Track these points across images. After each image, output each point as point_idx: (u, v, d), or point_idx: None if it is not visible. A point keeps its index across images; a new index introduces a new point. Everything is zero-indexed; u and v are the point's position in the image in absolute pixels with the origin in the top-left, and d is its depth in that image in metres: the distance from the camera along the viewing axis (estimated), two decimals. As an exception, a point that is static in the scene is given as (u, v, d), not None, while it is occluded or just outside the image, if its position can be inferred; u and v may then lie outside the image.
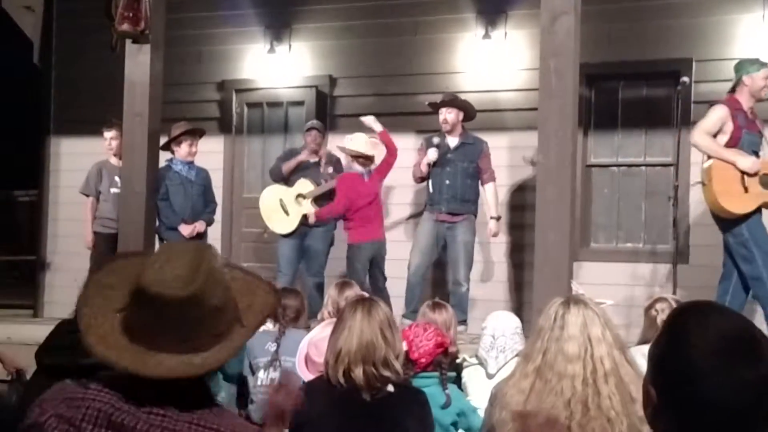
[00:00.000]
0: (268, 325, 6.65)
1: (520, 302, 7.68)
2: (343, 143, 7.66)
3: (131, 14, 6.36)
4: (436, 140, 7.37)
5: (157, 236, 7.32)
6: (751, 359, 1.44)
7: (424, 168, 7.35)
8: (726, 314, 1.52)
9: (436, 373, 3.90)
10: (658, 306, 4.78)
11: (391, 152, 7.38)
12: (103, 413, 1.68)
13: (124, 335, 1.74)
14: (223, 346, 1.76)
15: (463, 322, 7.14)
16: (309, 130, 7.94)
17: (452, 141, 7.39)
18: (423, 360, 3.92)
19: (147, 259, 1.79)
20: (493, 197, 7.39)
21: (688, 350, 1.46)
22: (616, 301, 6.84)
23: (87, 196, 7.98)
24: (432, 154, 7.32)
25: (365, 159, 7.44)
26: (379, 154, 7.51)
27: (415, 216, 8.22)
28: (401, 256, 8.13)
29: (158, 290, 1.70)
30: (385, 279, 7.47)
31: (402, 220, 8.39)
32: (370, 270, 7.42)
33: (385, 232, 7.58)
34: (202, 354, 1.73)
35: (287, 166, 7.83)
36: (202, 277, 1.73)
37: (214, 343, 1.75)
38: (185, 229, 7.44)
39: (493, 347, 4.43)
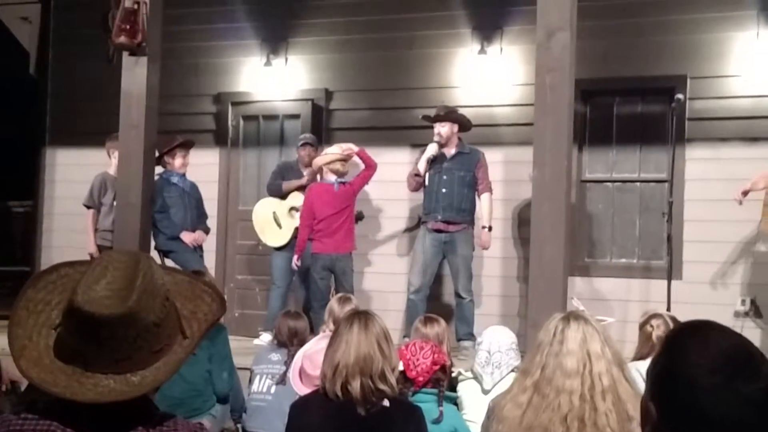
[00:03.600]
0: (267, 336, 6.72)
1: (515, 316, 7.69)
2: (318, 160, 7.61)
3: (128, 26, 6.38)
4: (436, 138, 7.37)
5: (157, 251, 7.30)
6: (751, 376, 1.46)
7: (422, 166, 7.33)
8: (724, 332, 1.54)
9: (435, 390, 3.90)
10: (654, 322, 4.80)
11: (369, 166, 7.40)
12: None
13: (58, 356, 1.67)
14: (163, 362, 1.70)
15: (470, 335, 7.10)
16: (303, 144, 7.98)
17: (448, 151, 7.42)
18: (421, 378, 3.93)
19: (82, 272, 1.71)
20: (487, 207, 7.40)
21: (688, 368, 1.48)
22: (609, 316, 6.86)
23: (89, 208, 7.90)
24: (432, 149, 7.31)
25: (342, 162, 7.40)
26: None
27: (410, 230, 8.24)
28: (395, 270, 8.16)
29: (90, 309, 1.62)
30: (352, 291, 7.40)
31: (396, 234, 8.40)
32: (336, 284, 7.37)
33: (353, 246, 7.46)
34: (141, 372, 1.66)
35: (288, 187, 7.86)
36: (137, 293, 1.65)
37: (153, 360, 1.69)
38: (187, 237, 7.41)
39: (489, 363, 4.44)
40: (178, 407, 5.18)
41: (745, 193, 6.52)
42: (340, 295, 5.87)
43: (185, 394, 5.19)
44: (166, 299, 1.71)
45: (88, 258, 7.87)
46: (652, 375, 1.55)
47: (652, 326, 4.79)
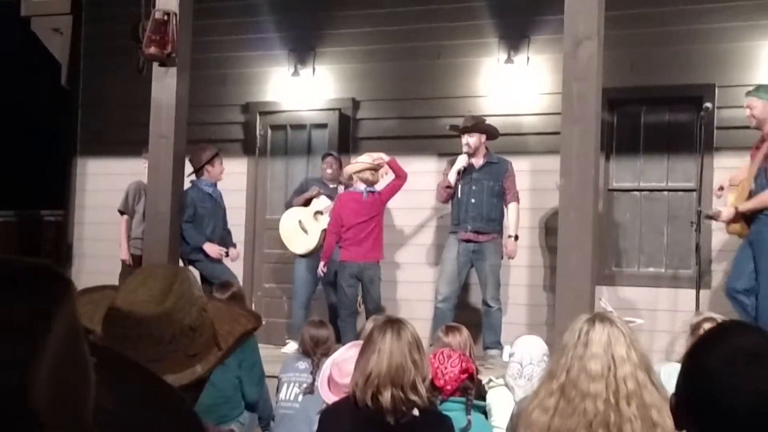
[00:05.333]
0: (293, 345, 6.75)
1: (542, 325, 7.67)
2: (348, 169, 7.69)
3: (158, 37, 6.45)
4: (465, 149, 7.41)
5: (182, 260, 7.36)
6: (766, 367, 1.49)
7: (453, 177, 7.37)
8: (748, 329, 1.61)
9: (463, 399, 3.91)
10: (706, 325, 4.74)
11: (399, 176, 7.43)
12: None
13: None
14: (196, 369, 1.74)
15: (497, 344, 7.13)
16: (325, 156, 8.07)
17: (476, 162, 7.45)
18: (448, 387, 3.93)
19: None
20: (514, 217, 7.42)
21: (707, 358, 1.53)
22: (637, 326, 6.82)
23: (122, 213, 7.95)
24: (462, 160, 7.34)
25: (372, 172, 7.44)
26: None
27: (438, 227, 8.26)
28: (422, 278, 8.18)
29: (130, 309, 1.69)
30: (379, 300, 7.44)
31: (424, 243, 8.42)
32: (363, 293, 7.40)
33: (381, 255, 7.51)
34: (174, 375, 1.69)
35: (296, 202, 7.97)
36: (175, 297, 1.72)
37: (188, 364, 1.73)
38: (212, 249, 7.48)
39: (521, 375, 4.42)
40: (207, 414, 5.23)
41: (721, 189, 6.59)
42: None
43: (214, 401, 5.23)
44: (203, 309, 1.76)
45: (120, 264, 7.96)
46: (679, 371, 1.60)
47: (704, 330, 4.72)
